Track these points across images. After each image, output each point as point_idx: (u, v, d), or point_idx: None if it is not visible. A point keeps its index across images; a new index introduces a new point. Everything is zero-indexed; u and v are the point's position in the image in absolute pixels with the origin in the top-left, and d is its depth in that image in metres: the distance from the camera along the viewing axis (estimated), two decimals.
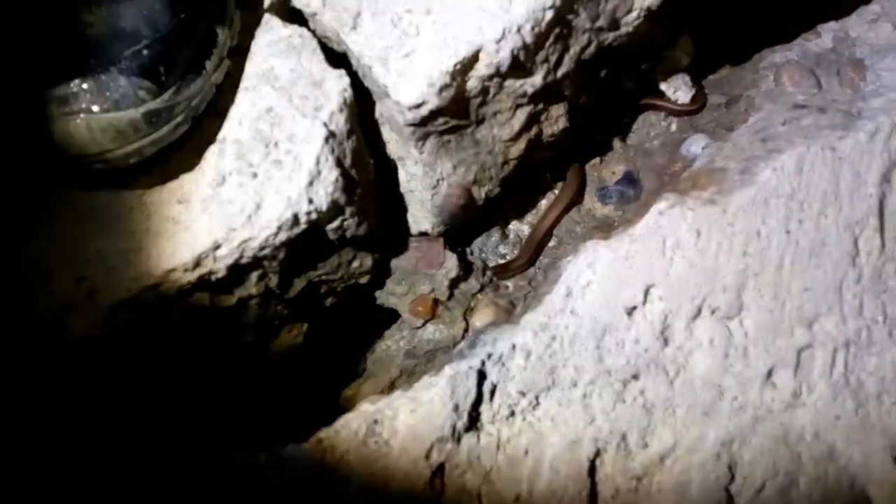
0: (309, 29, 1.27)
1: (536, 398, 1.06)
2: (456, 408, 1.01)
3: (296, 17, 1.32)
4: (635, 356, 1.09)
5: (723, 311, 1.13)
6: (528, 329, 1.09)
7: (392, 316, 1.37)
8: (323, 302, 1.30)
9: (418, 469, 0.97)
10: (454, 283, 1.35)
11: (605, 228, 1.46)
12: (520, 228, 1.49)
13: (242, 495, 0.98)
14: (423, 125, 1.20)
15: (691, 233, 1.15)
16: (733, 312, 1.14)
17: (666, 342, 1.11)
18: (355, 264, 1.28)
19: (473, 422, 1.03)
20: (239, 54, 1.22)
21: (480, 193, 1.36)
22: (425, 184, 1.30)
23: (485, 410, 1.04)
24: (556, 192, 1.50)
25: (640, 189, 1.48)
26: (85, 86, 0.95)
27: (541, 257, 1.45)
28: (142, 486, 1.02)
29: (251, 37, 1.24)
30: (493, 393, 1.05)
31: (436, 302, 1.34)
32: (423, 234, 1.37)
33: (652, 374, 1.09)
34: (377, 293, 1.37)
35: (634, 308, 1.11)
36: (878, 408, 1.18)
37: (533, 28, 1.19)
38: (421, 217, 1.35)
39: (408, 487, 0.95)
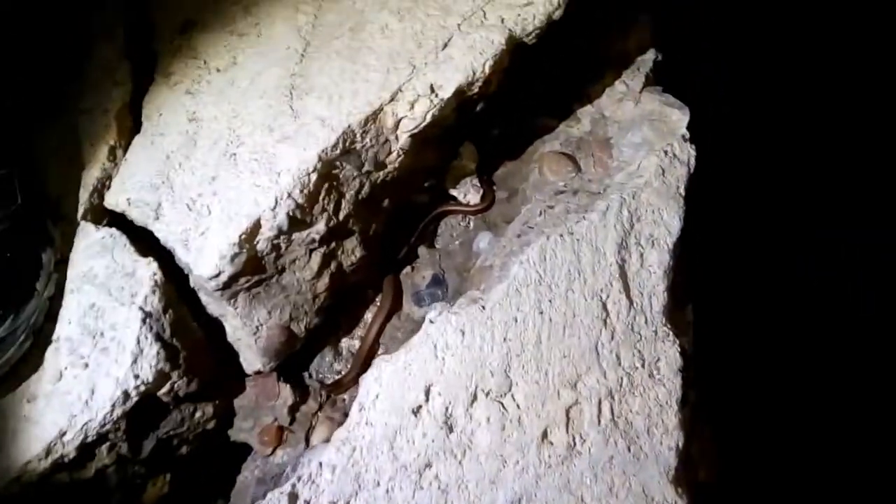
0: (121, 226, 1.51)
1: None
2: None
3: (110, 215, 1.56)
4: (425, 448, 1.32)
5: (494, 392, 1.37)
6: (332, 446, 1.31)
7: (246, 448, 1.58)
8: (178, 452, 1.51)
9: None
10: (293, 409, 1.57)
11: None
12: (351, 344, 1.72)
13: None
14: (229, 287, 1.44)
15: (457, 334, 1.39)
16: (504, 391, 1.37)
17: (450, 429, 1.33)
18: (198, 415, 1.50)
19: None
20: (63, 263, 1.46)
21: (300, 328, 1.59)
22: (247, 332, 1.53)
23: None
24: (377, 305, 1.73)
25: (446, 288, 1.72)
26: None
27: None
28: None
29: (70, 244, 1.48)
30: None
31: (280, 429, 1.56)
32: (258, 372, 1.60)
33: (442, 459, 1.31)
34: (229, 431, 1.59)
35: (419, 407, 1.34)
36: (650, 440, 1.41)
37: (302, 191, 1.44)
38: (252, 359, 1.58)
39: None
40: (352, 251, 1.60)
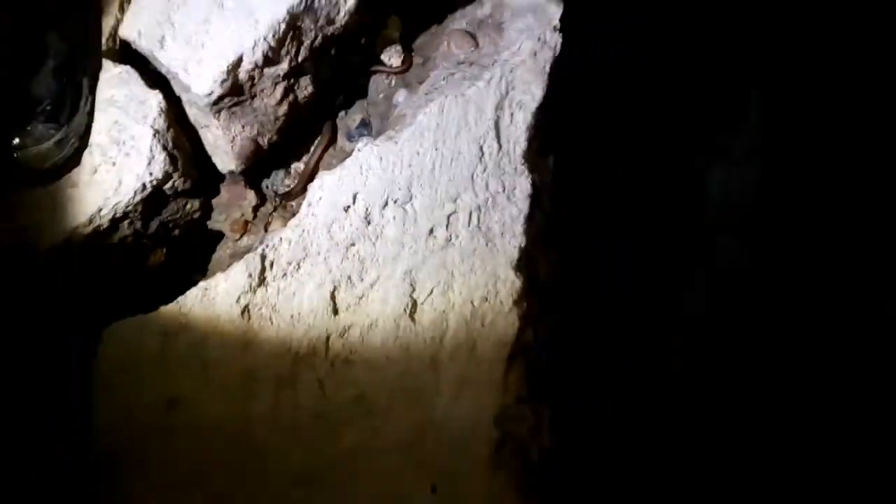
0: (134, 65, 2.06)
1: (298, 264, 1.94)
2: (250, 275, 1.90)
3: (125, 52, 2.10)
4: (352, 233, 1.97)
5: (400, 200, 2.01)
6: (289, 229, 1.97)
7: (220, 235, 2.23)
8: (172, 233, 2.15)
9: (232, 310, 1.86)
10: (255, 209, 2.21)
11: None
12: (297, 166, 2.34)
13: None
14: (216, 104, 2.01)
15: (377, 159, 2.01)
16: (407, 199, 2.01)
17: (368, 222, 1.99)
18: (188, 207, 2.12)
19: (262, 281, 1.92)
20: (94, 90, 2.02)
21: (264, 142, 2.10)
22: (225, 140, 1.93)
23: (268, 275, 1.93)
24: (318, 139, 2.35)
25: (371, 129, 2.34)
26: (23, 132, 1.76)
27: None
28: None
29: (97, 78, 2.03)
30: (272, 265, 1.93)
31: (246, 222, 2.21)
32: (231, 173, 2.22)
33: (362, 241, 1.98)
34: (207, 222, 2.23)
35: (348, 206, 1.98)
36: (502, 240, 2.09)
37: (273, 36, 1.99)
38: (227, 162, 2.07)
39: (227, 318, 1.85)
40: (305, 87, 2.17)
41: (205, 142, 1.93)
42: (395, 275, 1.92)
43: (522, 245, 2.00)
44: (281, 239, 1.88)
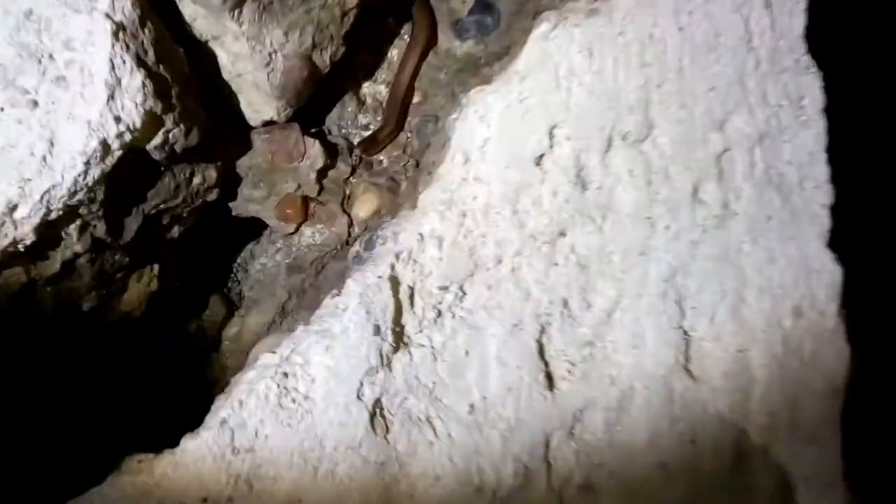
0: None
1: (461, 289, 0.90)
2: (377, 329, 0.84)
3: None
4: (557, 210, 0.95)
5: (634, 134, 1.00)
6: (432, 212, 0.91)
7: (257, 227, 1.15)
8: (169, 234, 1.06)
9: (353, 416, 0.80)
10: (322, 174, 1.14)
11: (472, 69, 1.27)
12: (376, 90, 1.27)
13: None
14: None
15: (583, 54, 0.98)
16: (644, 133, 1.01)
17: (584, 186, 0.96)
18: (197, 180, 1.05)
19: (399, 338, 0.86)
20: None
21: (324, 59, 1.13)
22: (256, 62, 1.06)
23: (408, 321, 0.88)
24: (407, 38, 1.28)
25: (497, 13, 1.29)
26: None
27: (409, 118, 1.25)
28: None
29: None
30: (412, 298, 0.88)
31: (305, 199, 1.13)
32: (268, 122, 1.13)
33: (578, 225, 0.95)
34: (231, 205, 1.14)
35: (542, 156, 0.96)
36: (801, 195, 1.10)
37: None
38: (260, 103, 1.12)
39: (347, 442, 0.78)
40: None
41: (222, 68, 1.05)
42: (648, 287, 0.90)
43: (831, 202, 1.06)
44: (422, 237, 0.83)
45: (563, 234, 0.95)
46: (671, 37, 1.04)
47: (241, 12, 1.01)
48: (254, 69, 1.07)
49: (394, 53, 1.29)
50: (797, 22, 1.17)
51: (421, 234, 0.90)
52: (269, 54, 1.06)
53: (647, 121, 1.02)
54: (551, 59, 0.97)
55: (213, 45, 1.07)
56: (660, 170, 1.01)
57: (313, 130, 1.18)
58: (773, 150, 1.10)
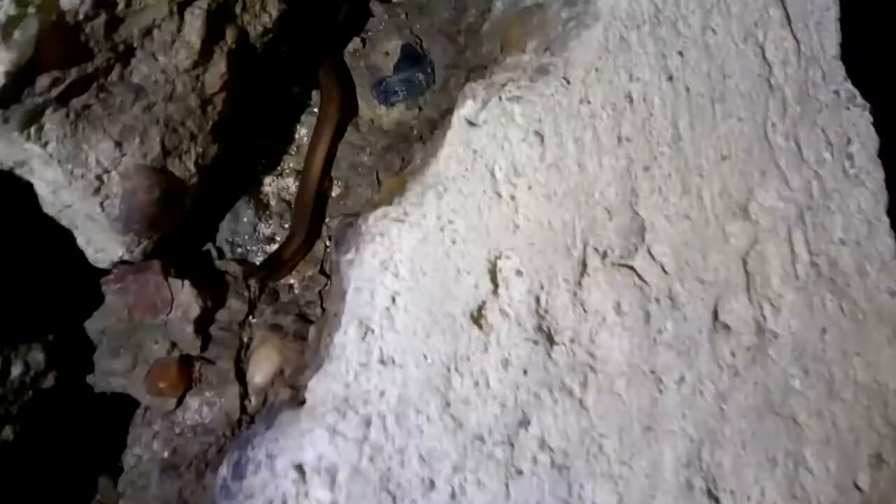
0: None
1: None
2: None
3: None
4: (512, 388, 0.61)
5: (618, 249, 0.66)
6: (319, 425, 0.57)
7: (130, 405, 0.82)
8: None
9: None
10: (204, 321, 0.80)
11: (403, 142, 0.94)
12: (282, 186, 0.95)
13: None
14: (17, 98, 0.62)
15: (529, 139, 0.64)
16: (633, 244, 0.67)
17: (551, 341, 0.63)
18: (16, 371, 0.71)
19: None
20: None
21: (186, 166, 0.79)
22: (80, 189, 0.72)
23: None
24: (316, 110, 0.95)
25: (429, 66, 0.96)
26: None
27: (326, 219, 0.92)
28: None
29: None
30: None
31: (183, 363, 0.80)
32: (122, 263, 0.80)
33: (547, 404, 0.62)
34: (90, 380, 0.81)
35: (482, 307, 0.62)
36: (864, 287, 0.77)
37: None
38: (103, 241, 0.78)
39: None
40: (262, 4, 0.78)
41: (42, 201, 0.82)
42: (662, 483, 0.57)
43: None
44: (302, 470, 0.49)
45: (525, 423, 0.61)
46: (657, 92, 0.71)
47: (41, 129, 0.68)
48: (80, 199, 0.74)
49: (302, 133, 0.96)
50: (830, 38, 0.84)
51: (300, 465, 0.57)
52: (98, 176, 0.73)
53: (634, 225, 0.68)
54: (482, 156, 0.64)
55: (23, 174, 0.74)
56: (661, 293, 0.68)
57: (200, 262, 0.85)
58: (818, 228, 0.77)
